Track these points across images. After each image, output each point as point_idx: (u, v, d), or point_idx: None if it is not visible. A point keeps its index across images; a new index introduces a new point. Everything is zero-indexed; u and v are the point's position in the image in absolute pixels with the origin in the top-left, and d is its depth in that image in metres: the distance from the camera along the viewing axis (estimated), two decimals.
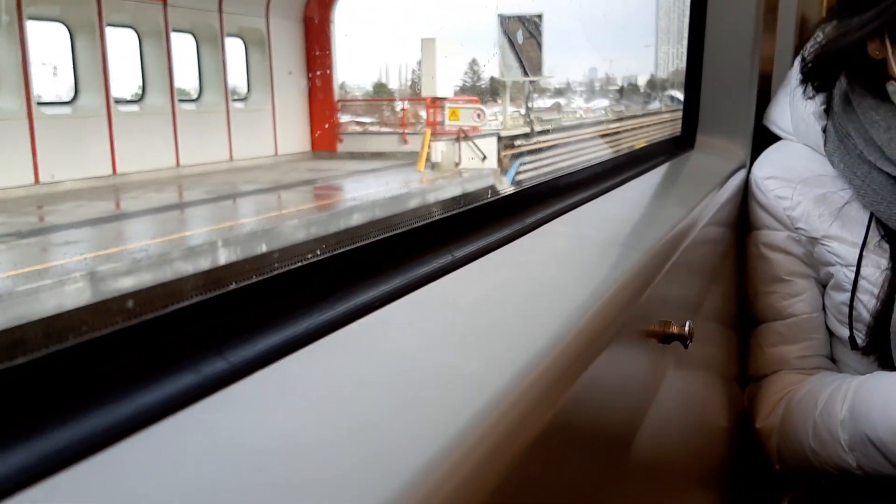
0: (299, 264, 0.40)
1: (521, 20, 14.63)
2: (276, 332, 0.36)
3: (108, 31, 11.17)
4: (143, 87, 12.24)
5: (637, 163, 1.09)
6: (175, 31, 12.34)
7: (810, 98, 1.05)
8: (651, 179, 1.03)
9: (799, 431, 1.01)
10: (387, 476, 0.27)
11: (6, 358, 0.28)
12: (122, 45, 12.13)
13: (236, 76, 14.55)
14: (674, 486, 0.80)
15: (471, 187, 11.05)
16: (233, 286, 0.36)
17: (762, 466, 1.11)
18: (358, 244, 0.46)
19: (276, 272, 0.39)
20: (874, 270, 0.98)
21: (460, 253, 0.53)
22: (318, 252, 0.41)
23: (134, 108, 12.19)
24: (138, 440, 0.28)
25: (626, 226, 0.76)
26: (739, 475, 1.20)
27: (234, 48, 14.02)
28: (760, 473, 1.13)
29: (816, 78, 1.04)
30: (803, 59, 1.04)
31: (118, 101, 11.90)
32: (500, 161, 13.28)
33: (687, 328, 0.66)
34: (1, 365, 0.27)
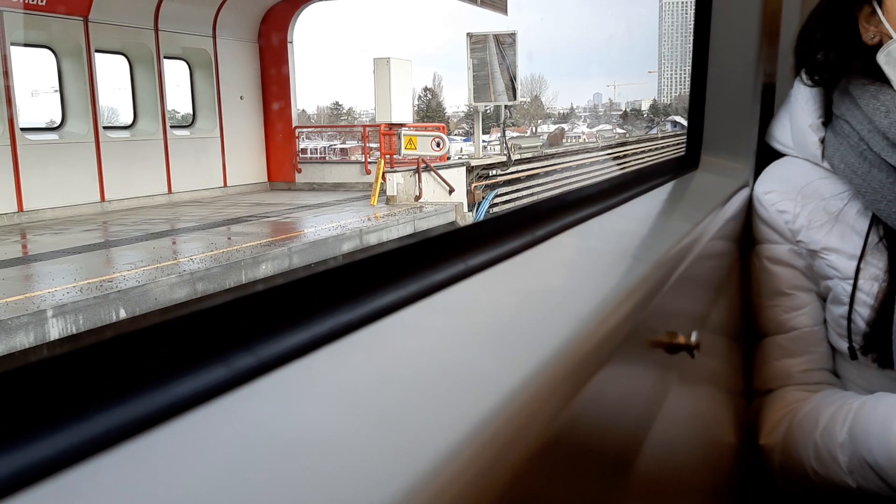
0: (324, 269, 0.42)
1: (495, 39, 13.14)
2: (302, 330, 0.38)
3: (15, 50, 9.83)
4: (63, 114, 10.96)
5: (643, 181, 1.11)
6: (102, 51, 11.17)
7: (811, 84, 1.08)
8: (657, 196, 1.05)
9: (801, 451, 1.01)
10: (405, 466, 0.28)
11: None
12: (34, 65, 10.86)
13: (181, 101, 13.40)
14: (678, 499, 0.81)
15: (423, 226, 9.59)
16: (261, 287, 0.38)
17: (766, 483, 1.11)
18: (378, 252, 0.48)
19: (301, 276, 0.41)
20: (871, 283, 0.99)
21: (474, 262, 0.54)
22: (341, 258, 0.43)
23: (51, 136, 10.88)
24: (172, 428, 0.30)
25: (632, 239, 0.77)
26: (744, 491, 1.20)
27: (178, 71, 12.82)
28: (765, 490, 1.14)
29: (812, 56, 1.07)
30: (798, 45, 1.08)
31: (29, 130, 10.45)
32: (470, 193, 11.99)
33: (693, 338, 0.67)
34: (50, 353, 0.29)
